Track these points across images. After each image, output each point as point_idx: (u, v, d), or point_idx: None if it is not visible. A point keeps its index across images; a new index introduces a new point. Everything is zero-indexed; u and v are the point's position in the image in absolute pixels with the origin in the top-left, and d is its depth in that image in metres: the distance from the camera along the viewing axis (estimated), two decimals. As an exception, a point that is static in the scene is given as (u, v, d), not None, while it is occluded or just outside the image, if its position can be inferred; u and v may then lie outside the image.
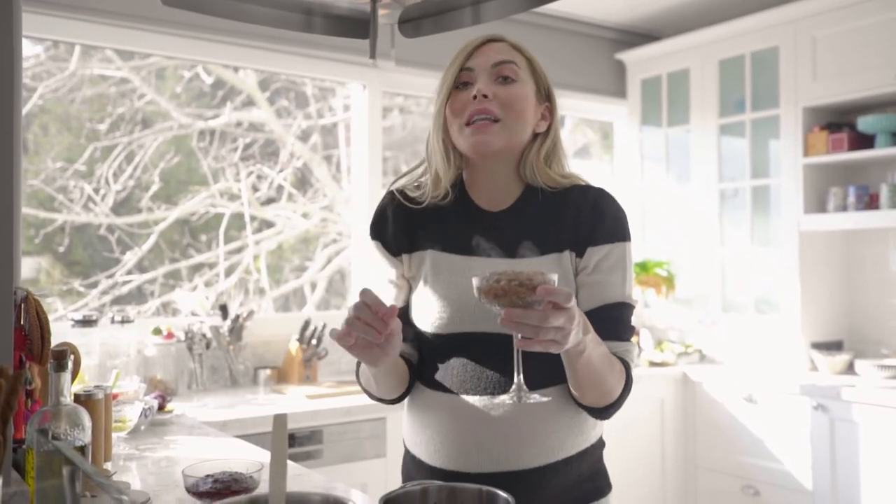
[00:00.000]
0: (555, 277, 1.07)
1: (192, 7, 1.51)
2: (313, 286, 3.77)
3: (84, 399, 1.52)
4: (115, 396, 2.07)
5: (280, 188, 3.66)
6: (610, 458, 1.46)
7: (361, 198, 3.66)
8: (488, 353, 1.32)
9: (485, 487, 1.11)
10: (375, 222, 1.46)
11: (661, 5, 4.03)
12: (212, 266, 3.51)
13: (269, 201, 3.65)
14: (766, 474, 3.39)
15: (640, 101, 4.30)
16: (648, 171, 4.30)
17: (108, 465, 1.63)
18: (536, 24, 4.00)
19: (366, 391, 1.44)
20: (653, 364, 3.80)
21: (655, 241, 4.22)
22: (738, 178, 3.86)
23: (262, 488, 1.24)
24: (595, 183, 1.43)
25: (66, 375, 1.13)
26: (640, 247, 4.15)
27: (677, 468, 3.70)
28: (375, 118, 3.66)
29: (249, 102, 3.61)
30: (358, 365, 1.44)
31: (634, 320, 1.38)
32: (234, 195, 3.55)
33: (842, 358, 3.43)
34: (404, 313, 1.40)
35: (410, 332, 1.40)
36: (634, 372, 1.35)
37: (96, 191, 3.25)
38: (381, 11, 1.58)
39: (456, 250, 1.38)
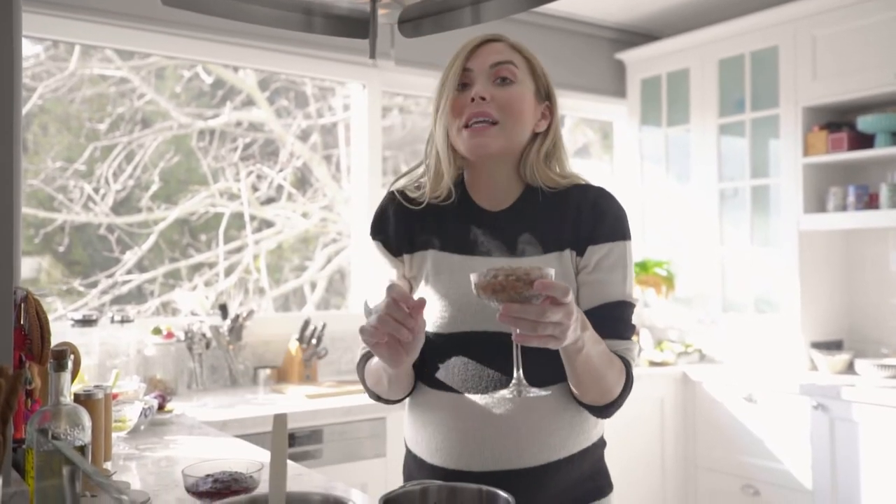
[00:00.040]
0: (552, 272, 1.07)
1: (192, 7, 1.51)
2: (313, 286, 3.77)
3: (84, 399, 1.52)
4: (114, 396, 2.07)
5: (280, 188, 3.66)
6: (610, 458, 1.46)
7: (361, 197, 3.66)
8: (489, 351, 1.32)
9: (485, 487, 1.11)
10: (376, 222, 1.46)
11: (660, 5, 4.03)
12: (211, 266, 3.51)
13: (269, 201, 3.65)
14: (765, 474, 3.39)
15: (640, 101, 4.30)
16: (648, 170, 4.30)
17: (107, 465, 1.64)
18: (536, 24, 4.00)
19: (371, 392, 1.44)
20: (653, 364, 3.80)
21: (655, 240, 4.22)
22: (737, 178, 3.86)
23: (262, 488, 1.24)
24: (595, 182, 1.43)
25: (66, 375, 1.13)
26: (639, 246, 4.15)
27: (677, 468, 3.70)
28: (375, 118, 3.66)
29: (249, 102, 3.61)
30: (360, 366, 1.44)
31: (635, 319, 1.38)
32: (233, 195, 3.55)
33: (842, 357, 3.43)
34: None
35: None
36: (635, 371, 1.35)
37: (96, 190, 3.25)
38: (380, 11, 1.58)
39: (457, 250, 1.38)
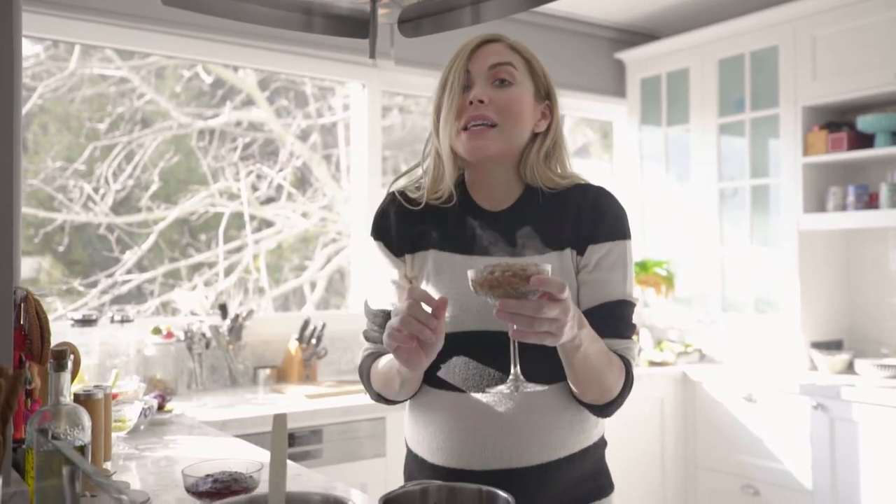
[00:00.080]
0: (548, 268, 1.08)
1: (192, 7, 1.51)
2: (313, 285, 3.77)
3: (84, 399, 1.52)
4: (114, 396, 2.07)
5: (279, 187, 3.66)
6: (610, 458, 1.46)
7: (361, 197, 3.66)
8: (490, 351, 1.32)
9: (485, 487, 1.11)
10: (377, 223, 1.46)
11: (660, 5, 4.03)
12: (211, 265, 3.51)
13: (269, 201, 3.65)
14: (765, 474, 3.39)
15: (640, 101, 4.30)
16: (648, 170, 4.30)
17: (107, 465, 1.64)
18: (536, 24, 4.00)
19: (376, 394, 1.43)
20: (652, 363, 3.80)
21: (655, 240, 4.22)
22: (737, 178, 3.86)
23: (262, 488, 1.24)
24: (595, 182, 1.43)
25: (66, 375, 1.13)
26: (639, 246, 4.15)
27: (677, 468, 3.70)
28: (375, 117, 3.66)
29: (249, 102, 3.61)
30: (364, 369, 1.44)
31: (635, 319, 1.38)
32: (233, 194, 3.55)
33: (841, 357, 3.43)
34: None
35: None
36: (635, 371, 1.35)
37: (96, 190, 3.25)
38: (380, 11, 1.58)
39: (457, 250, 1.38)
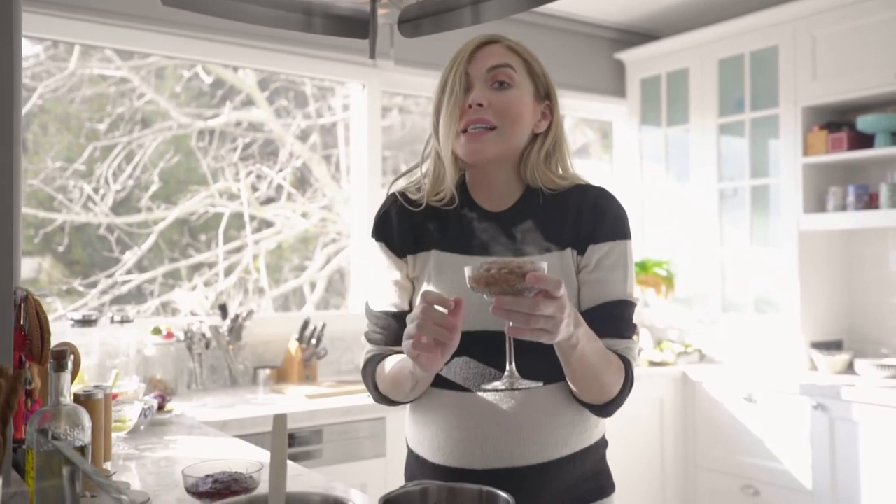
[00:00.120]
0: (544, 265, 1.09)
1: (192, 7, 1.51)
2: (313, 286, 3.77)
3: (84, 399, 1.52)
4: (114, 396, 2.07)
5: (279, 188, 3.66)
6: (610, 458, 1.46)
7: (361, 197, 3.66)
8: (492, 351, 1.32)
9: (485, 488, 1.11)
10: (379, 224, 1.47)
11: (660, 5, 4.03)
12: (211, 266, 3.51)
13: (269, 201, 3.65)
14: (765, 474, 3.39)
15: (640, 101, 4.30)
16: (648, 170, 4.30)
17: (107, 465, 1.63)
18: (536, 24, 4.00)
19: (381, 396, 1.42)
20: (652, 364, 3.80)
21: (655, 240, 4.23)
22: (737, 178, 3.86)
23: (262, 488, 1.24)
24: (595, 182, 1.44)
25: (66, 375, 1.13)
26: (639, 246, 4.15)
27: (677, 468, 3.70)
28: (375, 118, 3.66)
29: (249, 102, 3.61)
30: (367, 372, 1.43)
31: (635, 319, 1.38)
32: (233, 195, 3.55)
33: (841, 357, 3.43)
34: (409, 314, 1.41)
35: None
36: (635, 371, 1.35)
37: (96, 190, 3.25)
38: (380, 11, 1.58)
39: (458, 250, 1.39)
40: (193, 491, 1.28)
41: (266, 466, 1.23)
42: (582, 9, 4.07)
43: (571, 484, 1.35)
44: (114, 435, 1.86)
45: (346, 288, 3.78)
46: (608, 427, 1.46)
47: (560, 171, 1.43)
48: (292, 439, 2.64)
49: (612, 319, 1.34)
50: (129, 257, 3.30)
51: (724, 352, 3.87)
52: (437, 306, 1.14)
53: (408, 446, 1.48)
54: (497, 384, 1.16)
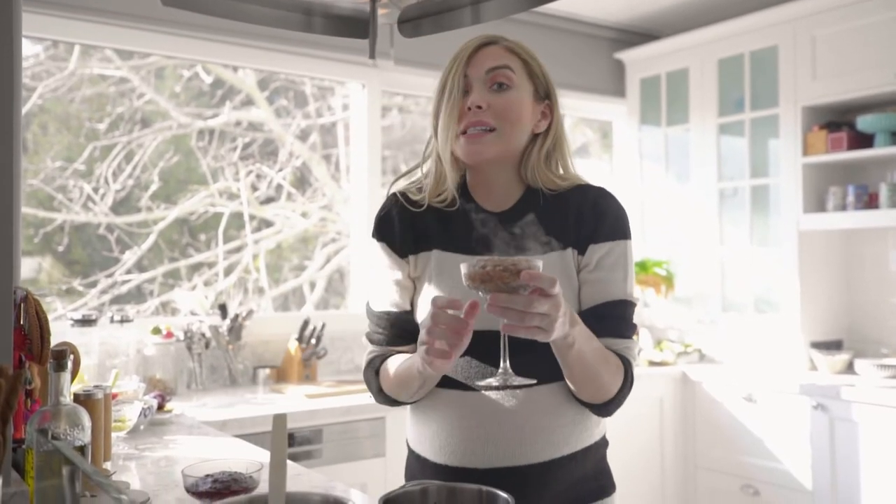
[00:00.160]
0: (539, 264, 1.10)
1: (192, 7, 1.51)
2: (312, 285, 3.77)
3: (84, 399, 1.52)
4: (114, 396, 2.07)
5: (279, 187, 3.66)
6: (610, 458, 1.46)
7: (360, 197, 3.66)
8: (493, 350, 1.31)
9: (485, 487, 1.11)
10: (380, 224, 1.46)
11: (660, 5, 4.03)
12: (211, 265, 3.51)
13: (269, 200, 3.64)
14: (765, 474, 3.39)
15: (640, 101, 4.30)
16: (648, 170, 4.30)
17: (107, 465, 1.63)
18: (536, 24, 4.00)
19: (384, 396, 1.42)
20: (652, 363, 3.80)
21: (655, 240, 4.23)
22: (737, 178, 3.86)
23: (262, 488, 1.24)
24: (595, 182, 1.44)
25: (66, 375, 1.13)
26: (639, 246, 4.15)
27: (677, 467, 3.70)
28: (374, 117, 3.66)
29: (248, 102, 3.61)
30: (370, 373, 1.43)
31: (635, 319, 1.39)
32: (233, 194, 3.55)
33: (841, 357, 3.43)
34: (410, 314, 1.41)
35: (417, 332, 1.39)
36: (635, 370, 1.35)
37: (95, 190, 3.25)
38: (380, 11, 1.58)
39: (459, 250, 1.39)
40: (193, 491, 1.28)
41: (266, 466, 1.23)
42: (582, 9, 4.07)
43: (572, 483, 1.35)
44: (113, 435, 1.86)
45: (346, 288, 3.78)
46: (608, 427, 1.46)
47: (560, 171, 1.44)
48: (292, 439, 2.64)
49: (612, 319, 1.34)
50: (129, 257, 3.30)
51: (724, 352, 3.87)
52: (448, 310, 1.14)
53: (408, 446, 1.48)
54: (491, 381, 1.17)
